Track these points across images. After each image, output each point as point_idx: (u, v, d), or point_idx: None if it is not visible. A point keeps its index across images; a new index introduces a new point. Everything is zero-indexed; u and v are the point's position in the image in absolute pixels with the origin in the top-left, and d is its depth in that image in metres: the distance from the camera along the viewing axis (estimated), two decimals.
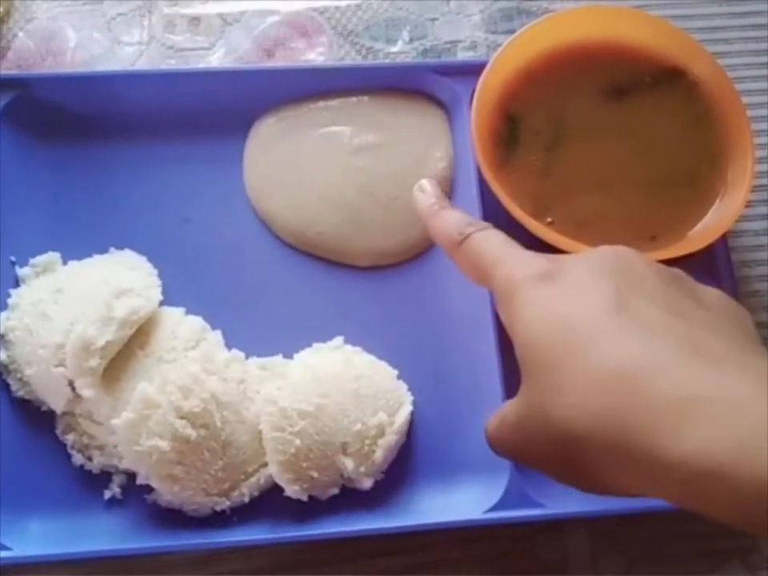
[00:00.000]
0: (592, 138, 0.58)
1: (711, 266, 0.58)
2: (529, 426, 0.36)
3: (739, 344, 0.34)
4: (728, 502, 0.29)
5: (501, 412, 0.39)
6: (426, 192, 0.49)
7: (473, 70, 0.58)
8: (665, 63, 0.60)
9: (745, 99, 0.59)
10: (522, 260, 0.39)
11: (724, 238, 0.58)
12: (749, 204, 0.63)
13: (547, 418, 0.34)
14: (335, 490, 0.53)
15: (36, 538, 0.52)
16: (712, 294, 0.38)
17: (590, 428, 0.32)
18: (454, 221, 0.45)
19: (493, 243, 0.42)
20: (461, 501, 0.54)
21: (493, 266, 0.40)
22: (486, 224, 0.44)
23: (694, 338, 0.32)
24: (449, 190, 0.61)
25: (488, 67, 0.57)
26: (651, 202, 0.57)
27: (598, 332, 0.33)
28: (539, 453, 0.36)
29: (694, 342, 0.32)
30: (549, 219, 0.56)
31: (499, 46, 0.58)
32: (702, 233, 0.56)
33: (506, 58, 0.58)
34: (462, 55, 0.66)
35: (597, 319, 0.33)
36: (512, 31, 0.59)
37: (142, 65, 0.65)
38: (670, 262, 0.53)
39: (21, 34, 0.65)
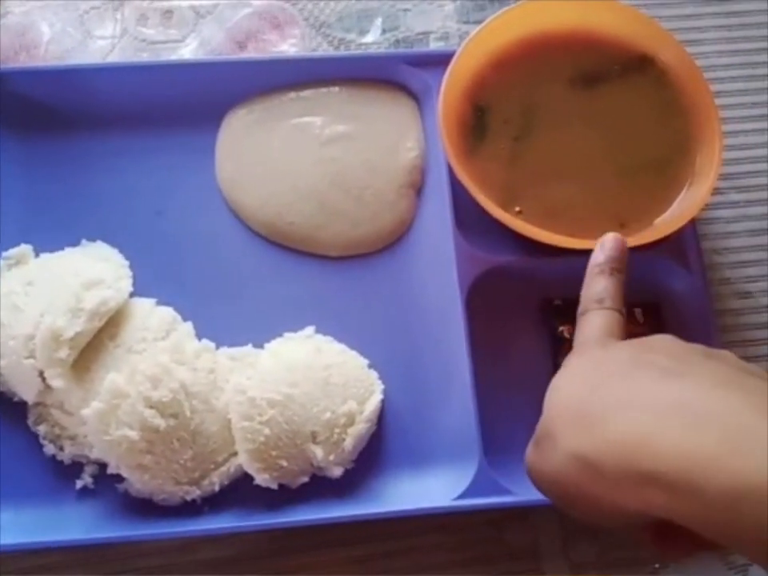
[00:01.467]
0: (561, 127, 0.58)
1: (681, 253, 0.58)
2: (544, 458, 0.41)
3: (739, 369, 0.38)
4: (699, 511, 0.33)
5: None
6: (603, 248, 0.48)
7: (444, 60, 0.58)
8: (633, 51, 0.60)
9: (716, 87, 0.60)
10: (589, 346, 0.44)
11: (693, 225, 0.59)
12: (720, 192, 0.63)
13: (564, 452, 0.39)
14: (305, 479, 0.53)
15: (8, 527, 0.52)
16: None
17: (597, 460, 0.37)
18: (593, 291, 0.47)
19: (591, 326, 0.45)
20: (430, 488, 0.54)
21: (578, 344, 0.46)
22: (610, 303, 0.46)
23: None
24: (420, 179, 0.61)
25: (456, 56, 0.57)
26: (620, 189, 0.57)
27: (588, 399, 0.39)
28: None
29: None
30: (517, 208, 0.56)
31: None
32: (669, 220, 0.56)
33: (475, 47, 0.58)
34: (434, 46, 0.67)
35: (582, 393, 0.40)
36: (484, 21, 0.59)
37: (115, 58, 0.65)
38: (639, 249, 0.54)
39: None
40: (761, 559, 0.32)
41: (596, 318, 0.46)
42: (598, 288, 0.47)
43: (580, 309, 0.47)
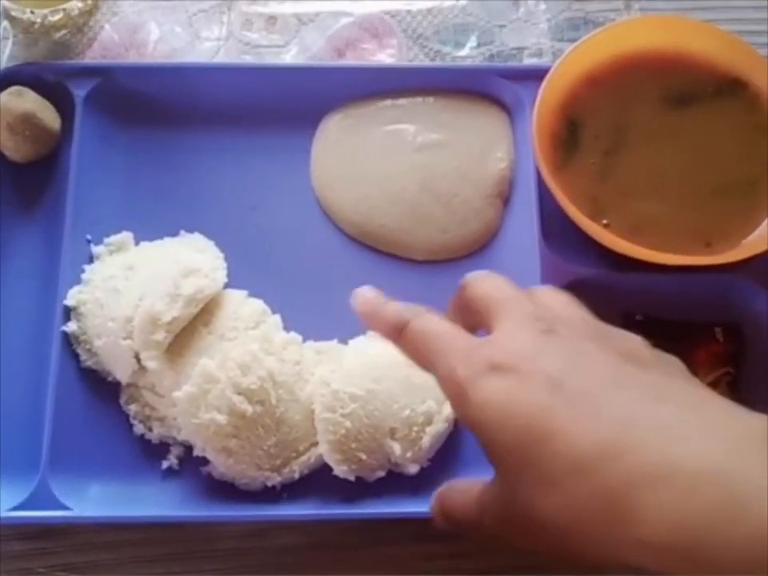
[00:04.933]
0: (651, 145, 0.59)
1: (765, 275, 0.58)
2: (515, 518, 0.36)
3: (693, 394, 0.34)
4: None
5: (479, 500, 0.38)
6: (366, 295, 0.45)
7: (537, 75, 0.60)
8: (727, 74, 0.60)
9: None
10: (460, 352, 0.37)
11: None
12: None
13: (534, 516, 0.34)
14: (382, 473, 0.55)
15: (95, 500, 0.54)
16: (635, 341, 0.38)
17: (577, 520, 0.32)
18: (393, 310, 0.42)
19: (430, 328, 0.40)
20: None
21: (433, 358, 0.39)
22: (423, 308, 0.41)
23: (652, 400, 0.33)
24: (507, 189, 0.62)
25: (552, 71, 0.58)
26: (707, 209, 0.58)
27: (556, 421, 0.33)
28: (530, 539, 0.36)
29: (653, 409, 0.33)
30: (605, 221, 0.57)
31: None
32: (756, 241, 0.56)
33: (570, 63, 0.59)
34: (528, 61, 0.68)
35: (551, 409, 0.33)
36: (578, 40, 0.60)
37: (220, 59, 0.68)
38: (722, 269, 0.55)
39: (107, 26, 0.68)
40: None
41: (424, 323, 0.40)
42: (394, 306, 0.42)
43: (394, 326, 0.41)
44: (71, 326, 0.57)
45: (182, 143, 0.64)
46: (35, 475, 0.53)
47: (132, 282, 0.56)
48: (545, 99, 0.58)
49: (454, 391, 0.37)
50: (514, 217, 0.62)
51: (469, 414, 0.36)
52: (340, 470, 0.53)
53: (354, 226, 0.62)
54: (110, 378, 0.58)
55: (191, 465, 0.56)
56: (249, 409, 0.52)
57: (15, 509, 0.52)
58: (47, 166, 0.63)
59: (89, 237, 0.60)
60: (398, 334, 0.41)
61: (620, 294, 0.59)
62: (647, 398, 0.33)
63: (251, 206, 0.63)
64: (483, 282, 0.42)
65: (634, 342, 0.38)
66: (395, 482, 0.55)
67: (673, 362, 0.37)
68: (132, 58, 0.68)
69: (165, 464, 0.56)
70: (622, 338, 0.38)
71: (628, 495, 0.30)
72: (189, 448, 0.55)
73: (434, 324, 0.40)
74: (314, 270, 0.61)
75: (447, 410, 0.55)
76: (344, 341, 0.58)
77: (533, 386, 0.34)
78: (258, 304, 0.58)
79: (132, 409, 0.57)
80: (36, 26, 0.66)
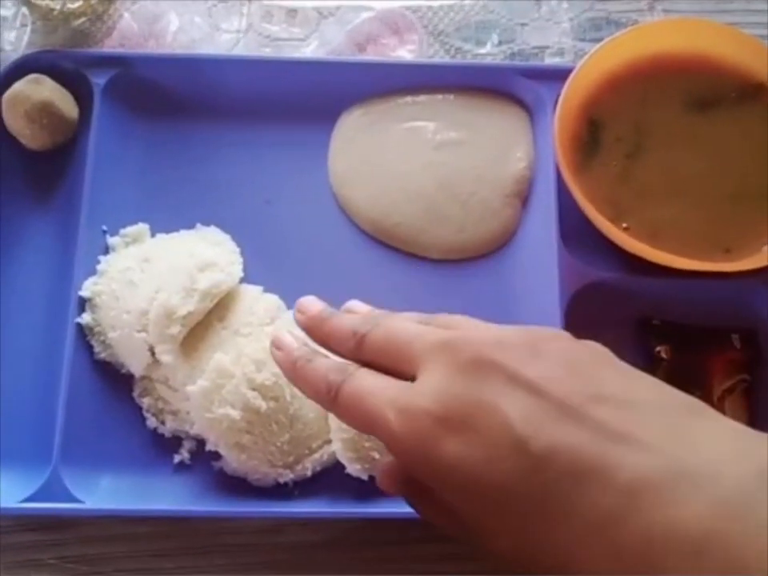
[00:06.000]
0: (673, 148, 0.59)
1: None
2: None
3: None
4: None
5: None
6: (284, 346, 0.43)
7: (559, 75, 0.59)
8: (750, 79, 0.60)
9: None
10: (403, 409, 0.36)
11: None
12: None
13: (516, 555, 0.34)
14: None
15: (107, 493, 0.54)
16: (564, 339, 0.37)
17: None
18: (321, 372, 0.40)
19: (365, 389, 0.37)
20: None
21: (374, 420, 0.37)
22: (352, 365, 0.40)
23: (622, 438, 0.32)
24: (526, 190, 0.62)
25: (574, 72, 0.58)
26: (727, 214, 0.58)
27: (538, 491, 0.32)
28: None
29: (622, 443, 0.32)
30: (624, 225, 0.57)
31: (586, 53, 0.59)
32: None
33: (593, 64, 0.59)
34: (549, 61, 0.68)
35: (528, 477, 0.32)
36: (600, 40, 0.60)
37: (239, 52, 0.68)
38: (740, 275, 0.54)
39: (126, 15, 0.68)
40: None
41: (357, 384, 0.38)
42: (320, 366, 0.40)
43: (324, 392, 0.39)
44: (85, 318, 0.57)
45: (199, 135, 0.64)
46: (47, 467, 0.53)
47: (148, 275, 0.56)
48: (567, 100, 0.57)
49: (410, 453, 0.35)
50: (533, 217, 0.61)
51: (434, 476, 0.35)
52: (353, 469, 0.53)
53: (370, 223, 0.61)
54: (123, 371, 0.57)
55: (203, 459, 0.56)
56: (263, 405, 0.52)
57: (27, 500, 0.52)
58: (64, 155, 0.62)
59: (104, 228, 0.60)
60: (330, 400, 0.39)
61: (637, 298, 0.59)
62: (624, 440, 0.32)
63: (268, 201, 0.62)
64: (386, 329, 0.40)
65: (564, 340, 0.37)
66: None
67: (604, 352, 0.36)
68: (151, 48, 0.67)
69: (177, 458, 0.56)
70: (552, 342, 0.36)
71: (644, 554, 0.30)
72: (201, 442, 0.55)
73: (366, 381, 0.38)
74: (330, 266, 0.61)
75: None
76: None
77: (499, 449, 0.33)
78: (273, 299, 0.58)
79: (145, 402, 0.57)
80: (55, 12, 0.66)
